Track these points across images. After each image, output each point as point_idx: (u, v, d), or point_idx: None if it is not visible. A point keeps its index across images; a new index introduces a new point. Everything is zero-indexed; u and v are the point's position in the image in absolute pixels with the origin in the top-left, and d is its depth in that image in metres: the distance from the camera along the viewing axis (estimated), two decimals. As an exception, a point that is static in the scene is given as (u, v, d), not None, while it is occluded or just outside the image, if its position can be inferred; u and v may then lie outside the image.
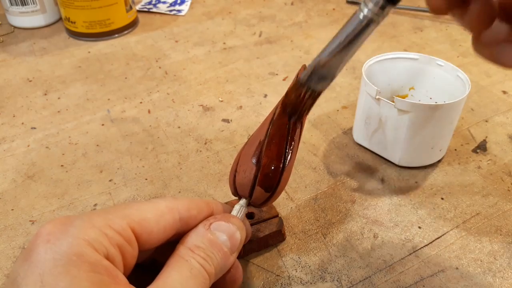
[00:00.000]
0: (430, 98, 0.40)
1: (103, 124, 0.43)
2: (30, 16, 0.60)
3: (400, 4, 0.65)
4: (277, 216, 0.31)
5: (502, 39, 0.18)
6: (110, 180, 0.37)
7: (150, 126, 0.43)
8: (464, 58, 0.53)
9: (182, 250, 0.20)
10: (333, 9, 0.66)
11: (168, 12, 0.65)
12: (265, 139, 0.25)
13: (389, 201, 0.34)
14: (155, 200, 0.21)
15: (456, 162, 0.38)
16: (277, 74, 0.50)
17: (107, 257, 0.17)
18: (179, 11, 0.66)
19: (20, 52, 0.56)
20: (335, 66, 0.21)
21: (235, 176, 0.26)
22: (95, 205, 0.34)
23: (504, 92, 0.47)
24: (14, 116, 0.45)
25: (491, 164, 0.38)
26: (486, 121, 0.43)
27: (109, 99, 0.47)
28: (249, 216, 0.31)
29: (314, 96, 0.23)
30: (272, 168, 0.24)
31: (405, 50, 0.55)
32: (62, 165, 0.38)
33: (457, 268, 0.29)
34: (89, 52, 0.56)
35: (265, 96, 0.47)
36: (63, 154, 0.40)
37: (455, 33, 0.59)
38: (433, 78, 0.39)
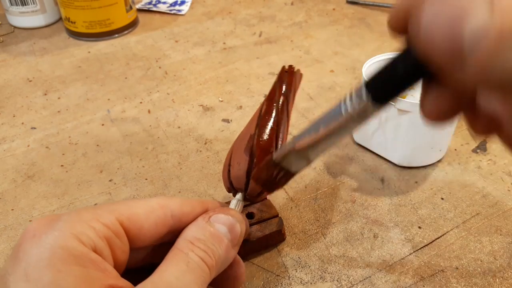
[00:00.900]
0: None
1: (103, 124, 0.43)
2: (30, 16, 0.60)
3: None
4: (277, 216, 0.31)
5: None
6: (110, 180, 0.37)
7: (150, 126, 0.43)
8: (464, 58, 0.53)
9: (181, 243, 0.20)
10: (333, 9, 0.66)
11: (168, 12, 0.65)
12: (255, 132, 0.26)
13: (389, 201, 0.34)
14: (147, 198, 0.21)
15: (456, 162, 0.38)
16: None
17: (95, 250, 0.17)
18: (179, 11, 0.66)
19: (20, 52, 0.56)
20: (312, 153, 0.20)
21: (229, 170, 0.26)
22: (95, 205, 0.34)
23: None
24: (14, 116, 0.45)
25: (491, 164, 0.38)
26: (486, 121, 0.43)
27: (109, 99, 0.47)
28: (249, 216, 0.31)
29: (288, 177, 0.22)
30: (265, 158, 0.25)
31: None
32: (62, 165, 0.38)
33: (457, 268, 0.29)
34: (89, 52, 0.56)
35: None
36: (63, 154, 0.40)
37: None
38: None
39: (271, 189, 0.23)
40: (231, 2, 0.69)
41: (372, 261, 0.30)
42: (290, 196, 0.35)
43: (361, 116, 0.17)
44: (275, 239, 0.30)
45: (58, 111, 0.45)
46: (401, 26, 0.14)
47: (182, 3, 0.68)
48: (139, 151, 0.40)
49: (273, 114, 0.28)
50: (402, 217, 0.33)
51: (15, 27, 0.61)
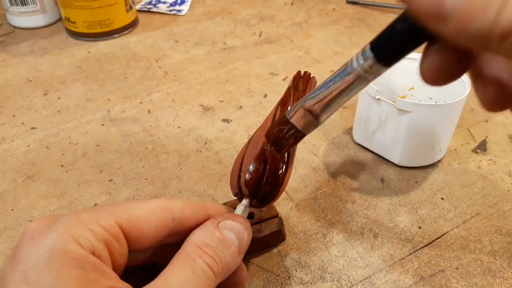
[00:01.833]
0: (430, 98, 0.40)
1: (103, 124, 0.43)
2: (30, 16, 0.60)
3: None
4: (277, 216, 0.31)
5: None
6: (110, 180, 0.37)
7: (150, 126, 0.43)
8: (464, 58, 0.53)
9: (188, 247, 0.19)
10: (333, 9, 0.66)
11: (168, 12, 0.65)
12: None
13: (389, 201, 0.34)
14: (148, 199, 0.21)
15: (456, 162, 0.38)
16: (277, 74, 0.50)
17: (93, 253, 0.17)
18: (179, 11, 0.66)
19: (20, 52, 0.56)
20: (321, 113, 0.20)
21: (239, 176, 0.26)
22: (95, 205, 0.34)
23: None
24: (14, 116, 0.45)
25: (491, 164, 0.38)
26: (486, 121, 0.43)
27: (109, 99, 0.47)
28: (249, 216, 0.31)
29: (297, 136, 0.22)
30: (278, 167, 0.25)
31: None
32: (62, 165, 0.38)
33: (457, 268, 0.29)
34: (89, 52, 0.56)
35: (265, 96, 0.47)
36: (63, 154, 0.40)
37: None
38: None
39: (280, 148, 0.23)
40: (231, 2, 0.69)
41: (372, 261, 0.30)
42: (290, 196, 0.35)
43: (366, 76, 0.18)
44: (275, 239, 0.30)
45: (58, 111, 0.45)
46: None
47: (182, 2, 0.68)
48: (139, 151, 0.40)
49: None
50: (402, 217, 0.33)
51: (15, 27, 0.61)
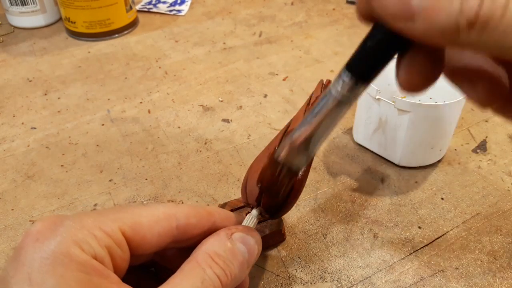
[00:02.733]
0: (430, 98, 0.40)
1: (103, 124, 0.43)
2: (30, 16, 0.60)
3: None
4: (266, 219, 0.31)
5: None
6: (110, 180, 0.37)
7: (150, 126, 0.43)
8: (464, 58, 0.53)
9: (200, 256, 0.19)
10: (333, 9, 0.66)
11: (168, 12, 0.65)
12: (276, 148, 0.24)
13: (389, 201, 0.34)
14: (154, 204, 0.20)
15: (456, 162, 0.38)
16: (277, 74, 0.50)
17: (95, 258, 0.17)
18: (179, 11, 0.66)
19: (20, 52, 0.56)
20: (310, 146, 0.20)
21: (246, 182, 0.25)
22: (95, 205, 0.34)
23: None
24: (14, 116, 0.45)
25: (491, 164, 0.38)
26: (486, 121, 0.43)
27: (109, 99, 0.47)
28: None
29: (291, 175, 0.22)
30: (300, 188, 0.24)
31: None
32: (62, 165, 0.38)
33: (457, 268, 0.29)
34: (89, 52, 0.56)
35: (265, 96, 0.47)
36: (63, 154, 0.40)
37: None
38: None
39: (275, 192, 0.23)
40: (231, 2, 0.69)
41: (372, 261, 0.30)
42: (290, 196, 0.35)
43: (347, 98, 0.17)
44: (275, 239, 0.30)
45: (58, 111, 0.45)
46: (366, 11, 0.15)
47: (182, 2, 0.68)
48: (139, 151, 0.40)
49: None
50: (402, 217, 0.33)
51: (15, 27, 0.61)
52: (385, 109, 0.35)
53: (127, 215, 0.19)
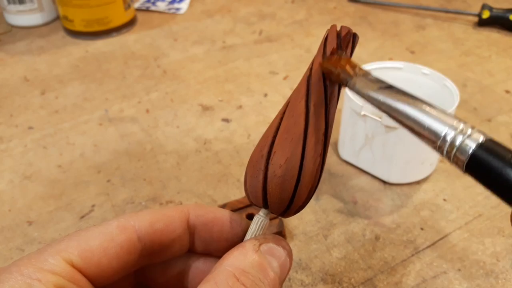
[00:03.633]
0: None
1: (101, 124, 0.43)
2: (28, 15, 0.59)
3: (402, 2, 0.64)
4: (277, 217, 0.30)
5: None
6: (108, 181, 0.36)
7: (148, 125, 0.42)
8: (467, 57, 0.53)
9: (221, 275, 0.16)
10: (334, 7, 0.65)
11: (166, 11, 0.65)
12: (278, 127, 0.19)
13: (391, 202, 0.34)
14: (106, 222, 0.17)
15: (458, 162, 0.38)
16: (277, 73, 0.50)
17: None
18: (178, 9, 0.65)
19: (18, 51, 0.55)
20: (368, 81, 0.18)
21: (246, 178, 0.19)
22: (93, 205, 0.34)
23: (507, 92, 0.47)
24: (11, 116, 0.44)
25: (493, 164, 0.37)
26: (489, 120, 0.42)
27: (107, 99, 0.46)
28: (250, 217, 0.30)
29: (338, 81, 0.19)
30: (285, 161, 0.18)
31: (407, 49, 0.54)
32: (59, 166, 0.38)
33: (459, 270, 0.29)
34: (87, 51, 0.55)
35: (265, 95, 0.46)
36: (60, 154, 0.39)
37: (458, 32, 0.58)
38: (419, 87, 0.37)
39: (333, 76, 0.19)
40: (231, 0, 0.68)
41: (373, 262, 0.29)
42: (291, 197, 0.34)
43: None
44: (275, 240, 0.30)
45: (56, 111, 0.45)
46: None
47: (181, 0, 0.67)
48: (138, 151, 0.39)
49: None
50: (404, 218, 0.32)
51: (12, 25, 0.61)
52: (371, 125, 0.33)
53: (72, 243, 0.16)
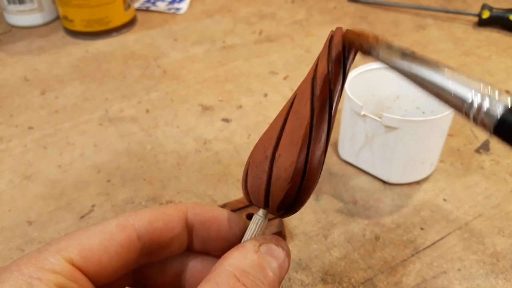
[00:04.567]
0: (417, 108, 0.39)
1: (101, 124, 0.43)
2: (28, 15, 0.59)
3: (402, 2, 0.64)
4: (276, 217, 0.30)
5: None
6: (108, 181, 0.36)
7: (148, 125, 0.42)
8: (467, 57, 0.53)
9: (222, 275, 0.16)
10: (334, 7, 0.65)
11: (166, 11, 0.65)
12: (283, 129, 0.19)
13: (391, 202, 0.34)
14: (106, 221, 0.17)
15: (458, 163, 0.38)
16: (277, 73, 0.50)
17: None
18: (178, 9, 0.65)
19: (18, 51, 0.55)
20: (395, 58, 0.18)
21: (246, 177, 0.19)
22: (93, 205, 0.34)
23: (507, 92, 0.47)
24: (11, 116, 0.44)
25: (494, 164, 0.37)
26: (489, 120, 0.42)
27: (107, 99, 0.46)
28: (249, 217, 0.30)
29: (364, 52, 0.19)
30: (290, 164, 0.18)
31: (407, 49, 0.54)
32: (59, 166, 0.38)
33: (459, 270, 0.29)
34: (87, 51, 0.55)
35: (265, 95, 0.46)
36: (60, 154, 0.39)
37: (458, 32, 0.58)
38: None
39: (354, 46, 0.19)
40: (231, 0, 0.68)
41: (373, 263, 0.29)
42: (291, 197, 0.34)
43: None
44: (276, 240, 0.30)
45: (56, 111, 0.45)
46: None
47: (181, 0, 0.67)
48: (138, 151, 0.39)
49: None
50: (404, 218, 0.32)
51: (12, 25, 0.61)
52: (371, 125, 0.33)
53: (72, 242, 0.16)
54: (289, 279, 0.28)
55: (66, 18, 0.57)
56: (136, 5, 0.66)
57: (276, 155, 0.18)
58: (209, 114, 0.44)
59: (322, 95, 0.19)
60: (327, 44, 0.20)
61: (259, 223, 0.19)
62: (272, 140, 0.19)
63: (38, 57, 0.54)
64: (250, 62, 0.52)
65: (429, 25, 0.60)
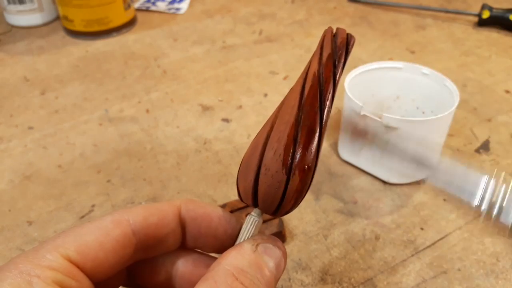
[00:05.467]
0: (417, 108, 0.39)
1: (101, 124, 0.43)
2: (28, 15, 0.59)
3: (402, 2, 0.64)
4: (273, 217, 0.30)
5: None
6: (108, 181, 0.36)
7: (148, 125, 0.42)
8: (467, 57, 0.53)
9: (220, 273, 0.16)
10: (334, 7, 0.65)
11: (166, 11, 0.65)
12: (271, 129, 0.19)
13: (391, 202, 0.34)
14: (101, 217, 0.18)
15: (458, 163, 0.38)
16: (277, 73, 0.50)
17: None
18: (178, 9, 0.65)
19: (18, 51, 0.55)
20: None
21: (238, 177, 0.20)
22: (93, 205, 0.34)
23: (507, 92, 0.47)
24: (11, 116, 0.44)
25: (493, 164, 0.37)
26: (489, 120, 0.42)
27: (107, 99, 0.46)
28: (249, 217, 0.30)
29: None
30: (275, 163, 0.18)
31: (407, 49, 0.54)
32: (59, 166, 0.38)
33: (459, 270, 0.29)
34: (87, 51, 0.55)
35: (265, 95, 0.46)
36: (60, 154, 0.39)
37: (458, 32, 0.58)
38: (419, 87, 0.37)
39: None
40: (231, 0, 0.68)
41: (373, 262, 0.29)
42: (291, 197, 0.34)
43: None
44: (275, 240, 0.30)
45: (56, 111, 0.45)
46: None
47: (181, 0, 0.67)
48: (138, 151, 0.39)
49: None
50: (404, 218, 0.32)
51: (12, 25, 0.61)
52: (371, 125, 0.33)
53: (68, 239, 0.16)
54: (289, 279, 0.28)
55: (66, 18, 0.57)
56: (136, 5, 0.66)
57: (264, 154, 0.19)
58: (209, 114, 0.44)
59: (311, 95, 0.19)
60: (319, 46, 0.20)
61: (252, 222, 0.19)
62: (261, 138, 0.19)
63: (38, 57, 0.54)
64: (250, 62, 0.52)
65: (429, 25, 0.60)
